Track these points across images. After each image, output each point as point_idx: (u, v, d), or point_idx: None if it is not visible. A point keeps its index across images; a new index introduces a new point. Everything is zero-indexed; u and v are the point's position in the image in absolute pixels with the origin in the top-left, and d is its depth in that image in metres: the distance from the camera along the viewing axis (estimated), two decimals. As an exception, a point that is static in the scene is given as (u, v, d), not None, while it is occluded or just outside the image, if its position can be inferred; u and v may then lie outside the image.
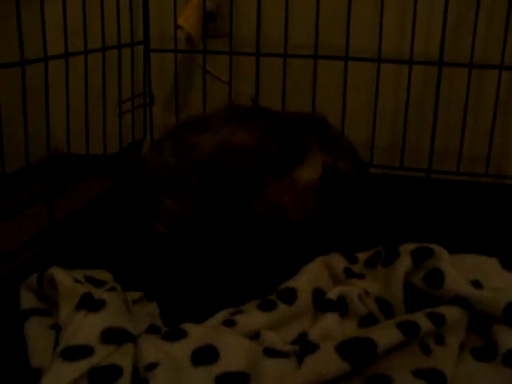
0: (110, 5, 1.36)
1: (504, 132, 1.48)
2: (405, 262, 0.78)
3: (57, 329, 0.71)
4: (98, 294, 0.75)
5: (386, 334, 0.67)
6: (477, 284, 0.78)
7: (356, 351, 0.65)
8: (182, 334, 0.71)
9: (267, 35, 1.46)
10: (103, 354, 0.67)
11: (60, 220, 1.22)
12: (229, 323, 0.76)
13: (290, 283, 0.84)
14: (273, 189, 1.07)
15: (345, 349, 0.65)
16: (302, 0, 1.47)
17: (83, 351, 0.67)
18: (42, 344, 0.72)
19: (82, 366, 0.65)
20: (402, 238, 0.86)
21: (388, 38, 1.42)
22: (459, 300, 0.74)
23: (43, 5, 1.12)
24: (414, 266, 0.79)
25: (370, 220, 1.12)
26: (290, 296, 0.81)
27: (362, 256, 0.89)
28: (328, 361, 0.65)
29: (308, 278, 0.85)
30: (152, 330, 0.76)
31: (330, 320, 0.77)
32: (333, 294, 0.79)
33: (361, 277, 0.84)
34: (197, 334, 0.71)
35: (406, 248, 0.81)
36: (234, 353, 0.69)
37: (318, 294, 0.82)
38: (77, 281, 0.78)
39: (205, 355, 0.68)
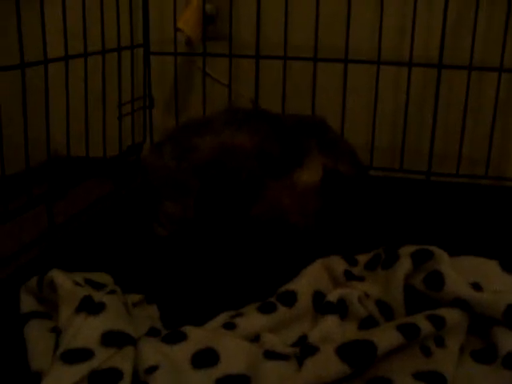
0: (110, 8, 1.36)
1: (504, 134, 1.48)
2: (405, 265, 0.78)
3: (57, 332, 0.71)
4: (97, 296, 0.75)
5: (386, 337, 0.67)
6: (477, 286, 0.78)
7: (356, 354, 0.65)
8: (182, 337, 0.71)
9: (267, 38, 1.47)
10: (103, 357, 0.67)
11: (60, 223, 1.22)
12: (229, 326, 0.76)
13: (290, 286, 0.84)
14: (273, 191, 1.07)
15: (345, 351, 0.66)
16: (302, 2, 1.47)
17: (83, 354, 0.67)
18: (42, 347, 0.72)
19: (82, 369, 0.65)
20: (402, 241, 0.86)
21: (387, 41, 1.42)
22: (459, 302, 0.74)
23: (43, 7, 1.12)
24: (414, 269, 0.79)
25: (369, 222, 1.12)
26: (290, 298, 0.81)
27: (362, 258, 0.89)
28: (328, 363, 0.65)
29: (308, 281, 0.85)
30: (152, 332, 0.76)
31: (330, 322, 0.77)
32: (333, 296, 0.79)
33: (361, 279, 0.84)
34: (197, 336, 0.71)
35: (406, 250, 0.81)
36: (234, 355, 0.69)
37: (318, 297, 0.82)
38: (77, 284, 0.78)
39: (205, 358, 0.68)
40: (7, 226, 1.08)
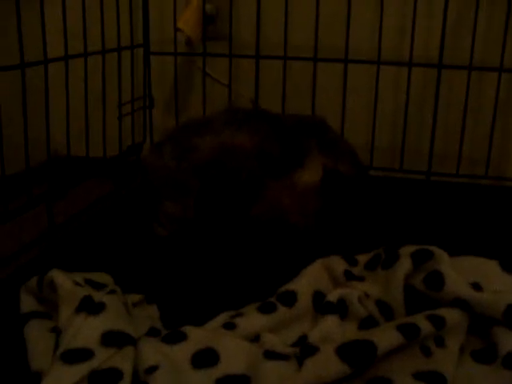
0: (110, 7, 1.36)
1: (504, 134, 1.48)
2: (405, 265, 0.78)
3: (57, 332, 0.71)
4: (97, 296, 0.75)
5: (386, 337, 0.67)
6: (477, 286, 0.78)
7: (356, 354, 0.65)
8: (182, 337, 0.71)
9: (267, 38, 1.47)
10: (103, 357, 0.67)
11: (60, 223, 1.22)
12: (229, 326, 0.76)
13: (290, 286, 0.84)
14: (273, 191, 1.07)
15: (345, 351, 0.66)
16: (302, 2, 1.47)
17: (83, 354, 0.67)
18: (42, 347, 0.72)
19: (82, 369, 0.65)
20: (402, 241, 0.86)
21: (387, 41, 1.42)
22: (459, 302, 0.74)
23: (43, 7, 1.12)
24: (414, 269, 0.79)
25: (370, 222, 1.12)
26: (290, 298, 0.81)
27: (362, 258, 0.89)
28: (328, 363, 0.65)
29: (308, 281, 0.85)
30: (152, 332, 0.76)
31: (330, 322, 0.77)
32: (333, 296, 0.79)
33: (361, 279, 0.84)
34: (197, 336, 0.71)
35: (406, 250, 0.81)
36: (234, 355, 0.69)
37: (318, 297, 0.82)
38: (77, 284, 0.78)
39: (205, 358, 0.68)
40: (7, 226, 1.08)
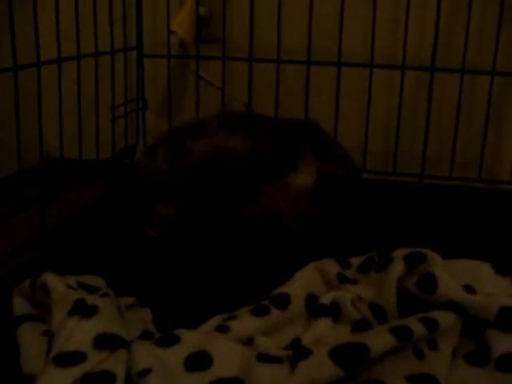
0: (103, 10, 1.36)
1: (496, 137, 1.48)
2: (398, 267, 0.79)
3: (49, 335, 0.71)
4: (90, 300, 0.74)
5: (379, 339, 0.67)
6: (469, 289, 0.78)
7: (349, 356, 0.65)
8: (175, 340, 0.71)
9: (260, 41, 1.47)
10: (96, 360, 0.67)
11: (53, 225, 1.22)
12: (222, 329, 0.76)
13: (283, 288, 0.84)
14: (266, 194, 1.07)
15: (338, 354, 0.65)
16: (295, 6, 1.47)
17: (76, 357, 0.67)
18: (35, 350, 0.72)
19: (74, 373, 0.65)
20: (395, 243, 0.86)
21: (380, 44, 1.43)
22: (452, 305, 0.74)
23: (36, 10, 1.12)
24: (406, 271, 0.79)
25: (363, 225, 1.12)
26: (283, 301, 0.81)
27: (355, 261, 0.89)
28: (321, 366, 0.65)
29: (301, 284, 0.85)
30: (145, 335, 0.75)
31: (323, 325, 0.77)
32: (326, 299, 0.79)
33: (354, 282, 0.84)
34: (190, 339, 0.71)
35: (399, 253, 0.81)
36: (228, 358, 0.69)
37: (311, 300, 0.82)
38: (69, 287, 0.77)
39: (198, 361, 0.68)
40: (0, 229, 1.07)
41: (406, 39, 1.38)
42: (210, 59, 1.49)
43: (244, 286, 0.92)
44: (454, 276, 0.78)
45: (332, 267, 0.87)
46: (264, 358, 0.68)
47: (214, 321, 0.79)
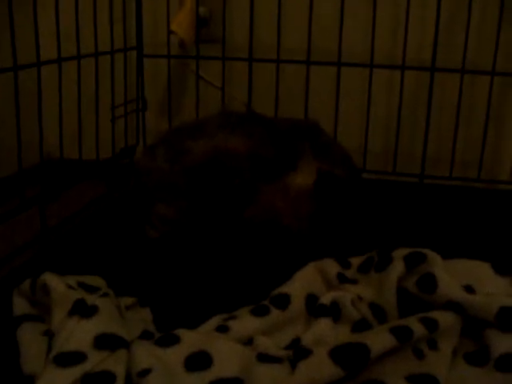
0: (103, 10, 1.36)
1: (496, 137, 1.48)
2: (398, 267, 0.79)
3: (49, 335, 0.71)
4: (90, 300, 0.74)
5: (379, 339, 0.67)
6: (469, 289, 0.78)
7: (349, 356, 0.65)
8: (175, 340, 0.71)
9: (260, 41, 1.47)
10: (96, 360, 0.67)
11: (53, 225, 1.22)
12: (222, 329, 0.76)
13: (283, 289, 0.84)
14: (266, 194, 1.07)
15: (338, 354, 0.65)
16: (295, 6, 1.47)
17: (76, 357, 0.67)
18: (35, 350, 0.72)
19: (74, 373, 0.65)
20: (395, 243, 0.86)
21: (380, 44, 1.43)
22: (452, 305, 0.74)
23: (36, 10, 1.12)
24: (406, 271, 0.79)
25: (363, 225, 1.12)
26: (284, 301, 0.81)
27: (355, 261, 0.89)
28: (321, 366, 0.65)
29: (301, 284, 0.85)
30: (145, 335, 0.75)
31: (323, 325, 0.77)
32: (326, 299, 0.79)
33: (354, 282, 0.84)
34: (190, 339, 0.71)
35: (399, 253, 0.81)
36: (228, 358, 0.69)
37: (311, 300, 0.82)
38: (69, 287, 0.77)
39: (198, 361, 0.68)
40: (0, 229, 1.07)
41: (406, 39, 1.38)
42: (210, 59, 1.49)
43: (244, 286, 0.92)
44: (454, 276, 0.78)
45: (332, 267, 0.87)
46: (264, 358, 0.68)
47: (214, 321, 0.79)
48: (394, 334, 0.68)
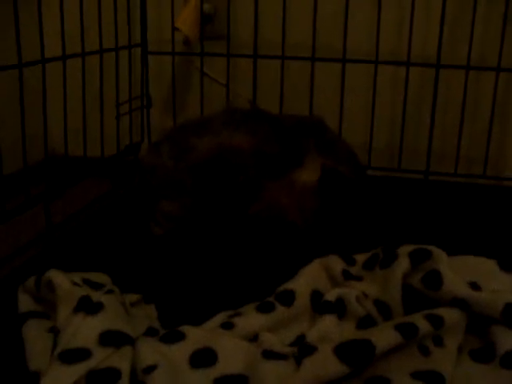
0: (108, 7, 1.36)
1: (501, 133, 1.48)
2: (403, 264, 0.78)
3: (55, 332, 0.71)
4: (95, 296, 0.74)
5: (384, 336, 0.67)
6: (475, 286, 0.78)
7: (354, 353, 0.65)
8: (181, 337, 0.71)
9: (265, 37, 1.47)
10: (101, 357, 0.67)
11: (58, 222, 1.22)
12: (227, 325, 0.76)
13: (289, 285, 0.83)
14: (271, 191, 1.07)
15: (343, 351, 0.65)
16: (300, 2, 1.47)
17: (81, 354, 0.67)
18: (40, 347, 0.72)
19: (80, 369, 0.65)
20: (400, 240, 0.86)
21: (385, 40, 1.42)
22: (457, 302, 0.74)
23: (41, 8, 1.12)
24: (412, 268, 0.79)
25: (368, 222, 1.12)
26: (289, 298, 0.81)
27: (360, 258, 0.89)
28: (326, 363, 0.65)
29: (306, 280, 0.85)
30: (150, 332, 0.75)
31: (328, 322, 0.77)
32: (331, 295, 0.79)
33: (359, 279, 0.84)
34: (195, 336, 0.71)
35: (404, 250, 0.81)
36: (233, 355, 0.69)
37: (316, 296, 0.82)
38: (75, 284, 0.78)
39: (203, 358, 0.68)
40: (5, 226, 1.07)
41: (411, 35, 1.38)
42: (215, 56, 1.49)
43: (249, 283, 0.92)
44: (459, 273, 0.78)
45: (337, 264, 0.87)
46: (269, 354, 0.68)
47: (219, 317, 0.79)
48: (399, 330, 0.68)
